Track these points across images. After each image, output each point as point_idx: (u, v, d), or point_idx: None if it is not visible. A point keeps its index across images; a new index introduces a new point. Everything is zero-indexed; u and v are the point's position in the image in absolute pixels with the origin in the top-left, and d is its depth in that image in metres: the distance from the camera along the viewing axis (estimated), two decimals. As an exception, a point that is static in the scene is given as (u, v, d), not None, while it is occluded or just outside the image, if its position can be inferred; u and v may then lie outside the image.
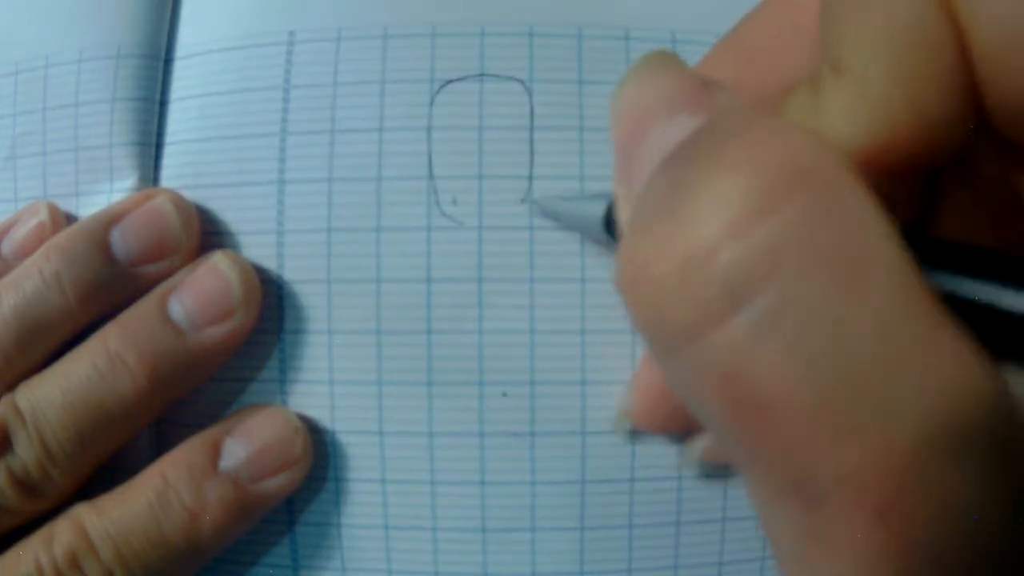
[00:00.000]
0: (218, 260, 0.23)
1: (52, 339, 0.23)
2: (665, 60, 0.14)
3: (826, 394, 0.10)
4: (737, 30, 0.16)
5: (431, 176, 0.23)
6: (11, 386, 0.23)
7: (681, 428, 0.22)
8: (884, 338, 0.10)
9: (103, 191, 0.25)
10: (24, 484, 0.22)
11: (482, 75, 0.24)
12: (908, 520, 0.10)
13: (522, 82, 0.24)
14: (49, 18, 0.26)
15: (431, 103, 0.24)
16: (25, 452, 0.22)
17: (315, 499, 0.24)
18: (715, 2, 0.24)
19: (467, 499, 0.23)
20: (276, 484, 0.23)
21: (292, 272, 0.24)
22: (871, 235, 0.11)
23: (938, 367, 0.10)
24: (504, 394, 0.23)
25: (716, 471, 0.23)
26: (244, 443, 0.23)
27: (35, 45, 0.26)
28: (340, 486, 0.23)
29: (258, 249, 0.24)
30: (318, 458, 0.23)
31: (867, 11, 0.12)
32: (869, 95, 0.12)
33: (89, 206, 0.25)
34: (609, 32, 0.24)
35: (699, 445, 0.22)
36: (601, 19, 0.24)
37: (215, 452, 0.23)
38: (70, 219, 0.25)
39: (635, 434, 0.23)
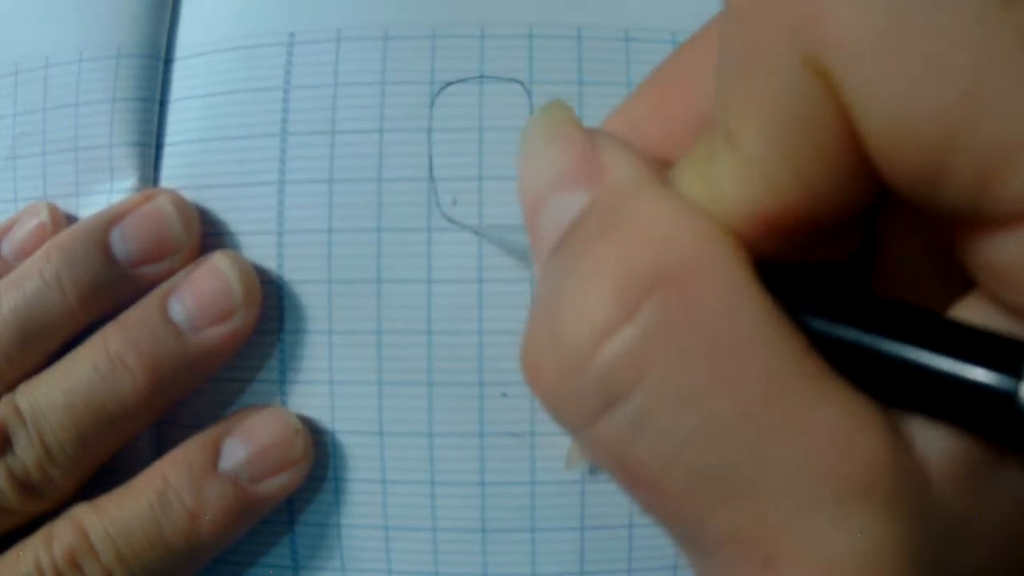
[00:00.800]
0: (218, 260, 0.23)
1: (53, 339, 0.23)
2: (556, 120, 0.14)
3: (698, 474, 0.11)
4: (672, 59, 0.16)
5: (431, 177, 0.23)
6: (11, 386, 0.23)
7: None
8: (752, 422, 0.11)
9: (103, 191, 0.25)
10: (24, 484, 0.22)
11: (482, 76, 0.24)
12: (794, 570, 0.11)
13: (522, 83, 0.24)
14: (49, 18, 0.26)
15: (431, 104, 0.24)
16: (25, 453, 0.22)
17: (315, 499, 0.24)
18: (715, 3, 0.24)
19: (467, 499, 0.23)
20: (276, 484, 0.23)
21: (292, 272, 0.24)
22: (738, 321, 0.11)
23: (818, 436, 0.11)
24: (504, 394, 0.23)
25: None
26: (244, 443, 0.23)
27: (35, 45, 0.26)
28: (340, 486, 0.24)
29: (258, 249, 0.24)
30: (318, 458, 0.23)
31: (753, 88, 0.12)
32: (755, 167, 0.12)
33: (89, 206, 0.25)
34: (609, 33, 0.24)
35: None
36: (601, 20, 0.24)
37: (215, 452, 0.23)
38: (70, 219, 0.25)
39: (594, 469, 0.23)
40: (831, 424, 0.11)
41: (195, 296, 0.23)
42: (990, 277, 0.11)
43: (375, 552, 0.23)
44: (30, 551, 0.22)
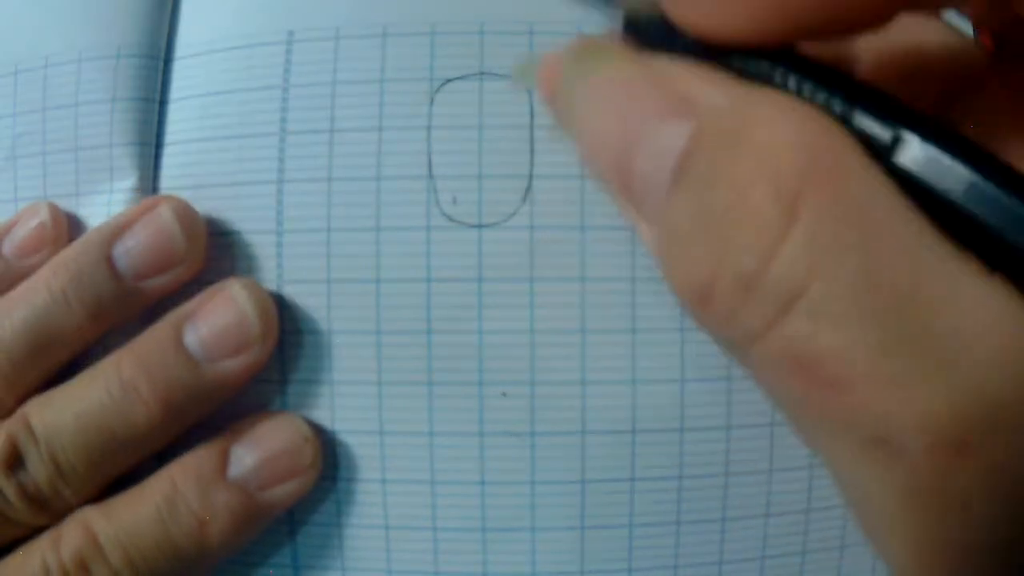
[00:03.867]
0: (236, 292, 0.23)
1: (63, 352, 0.23)
2: (604, 59, 0.14)
3: (883, 353, 0.11)
4: None
5: (431, 175, 0.23)
6: (21, 398, 0.23)
7: None
8: (925, 298, 0.11)
9: (103, 191, 0.25)
10: (34, 499, 0.22)
11: (482, 73, 0.24)
12: (988, 453, 0.11)
13: (522, 80, 0.24)
14: (49, 18, 0.26)
15: (431, 102, 0.24)
16: (36, 470, 0.22)
17: (315, 499, 0.24)
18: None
19: (467, 499, 0.23)
20: (284, 492, 0.23)
21: (292, 272, 0.24)
22: (884, 206, 0.12)
23: (978, 313, 0.11)
24: (504, 394, 0.23)
25: None
26: (253, 451, 0.23)
27: (35, 45, 0.26)
28: (340, 486, 0.24)
29: (258, 249, 0.24)
30: (318, 458, 0.24)
31: None
32: None
33: (89, 206, 0.25)
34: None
35: None
36: (601, 17, 0.24)
37: (224, 459, 0.23)
38: (70, 219, 0.25)
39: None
40: (975, 309, 0.11)
41: (211, 327, 0.22)
42: None
43: (375, 552, 0.23)
44: (37, 553, 0.22)
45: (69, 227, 0.25)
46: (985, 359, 0.11)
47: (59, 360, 0.23)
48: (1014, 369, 0.11)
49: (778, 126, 0.12)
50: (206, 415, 0.23)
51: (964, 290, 0.11)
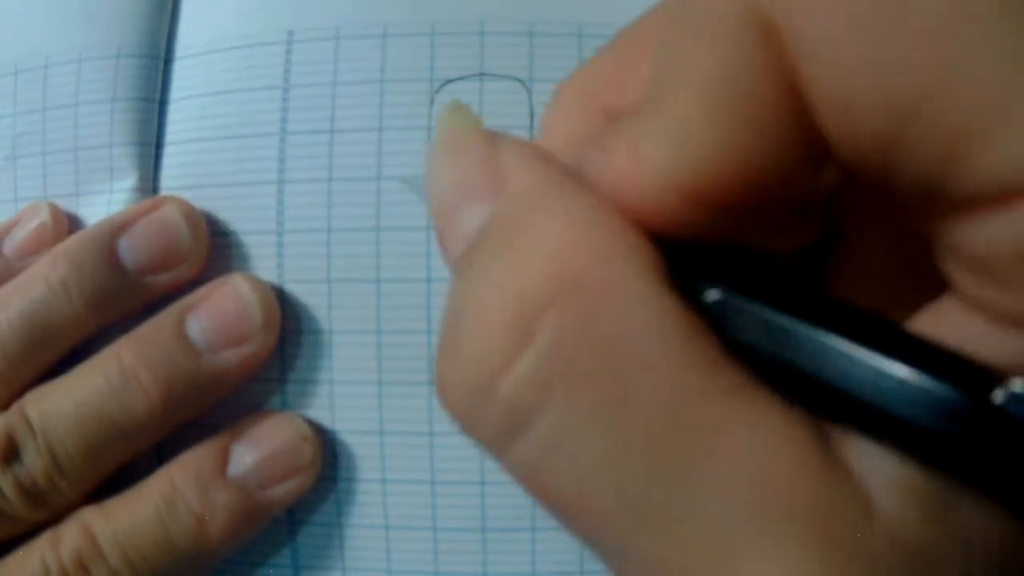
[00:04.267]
0: (239, 284, 0.23)
1: (60, 346, 0.23)
2: (459, 125, 0.13)
3: (614, 498, 0.10)
4: (638, 22, 0.15)
5: (431, 176, 0.23)
6: (17, 393, 0.23)
7: None
8: (662, 443, 0.10)
9: (103, 191, 0.25)
10: (30, 493, 0.22)
11: (482, 74, 0.24)
12: None
13: (522, 81, 0.24)
14: (49, 18, 0.26)
15: (431, 102, 0.24)
16: (33, 462, 0.22)
17: (315, 499, 0.24)
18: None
19: (467, 499, 0.23)
20: (283, 491, 0.23)
21: (292, 272, 0.24)
22: (638, 336, 0.11)
23: (733, 457, 0.10)
24: (504, 394, 0.23)
25: None
26: (252, 449, 0.23)
27: (35, 45, 0.26)
28: (340, 486, 0.24)
29: (258, 249, 0.24)
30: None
31: (689, 42, 0.11)
32: (681, 133, 0.11)
33: (89, 206, 0.25)
34: (610, 31, 0.24)
35: None
36: (601, 17, 0.24)
37: (224, 458, 0.23)
38: (70, 219, 0.25)
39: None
40: (748, 444, 0.10)
41: (213, 317, 0.23)
42: (964, 272, 0.10)
43: (375, 552, 0.23)
44: (36, 553, 0.22)
45: (69, 227, 0.25)
46: (749, 501, 0.10)
47: (57, 354, 0.23)
48: (745, 538, 0.10)
49: (556, 225, 0.11)
50: (205, 408, 0.23)
51: (735, 426, 0.10)
